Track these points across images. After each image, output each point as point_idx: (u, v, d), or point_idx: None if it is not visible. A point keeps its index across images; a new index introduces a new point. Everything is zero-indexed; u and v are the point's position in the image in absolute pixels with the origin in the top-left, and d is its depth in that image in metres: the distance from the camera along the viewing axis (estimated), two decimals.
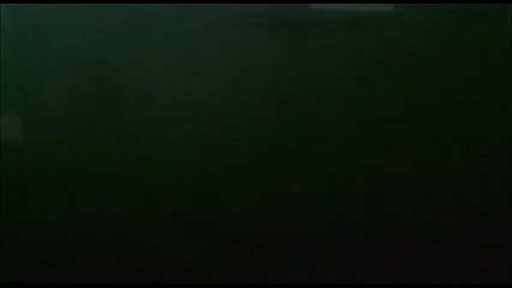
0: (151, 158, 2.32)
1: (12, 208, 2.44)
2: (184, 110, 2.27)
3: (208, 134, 2.26)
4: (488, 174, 2.14)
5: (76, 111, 2.37)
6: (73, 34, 2.31)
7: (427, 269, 2.20)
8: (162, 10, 2.21)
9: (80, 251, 2.40)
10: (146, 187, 2.35)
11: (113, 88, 2.31)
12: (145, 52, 2.26)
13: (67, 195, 2.40)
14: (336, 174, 2.19)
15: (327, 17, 2.10)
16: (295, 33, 2.13)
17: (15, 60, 2.38)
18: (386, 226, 2.22)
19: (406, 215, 2.21)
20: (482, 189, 2.15)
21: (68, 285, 2.32)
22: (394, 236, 2.22)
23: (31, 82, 2.39)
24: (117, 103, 2.32)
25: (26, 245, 2.43)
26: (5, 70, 2.38)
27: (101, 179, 2.38)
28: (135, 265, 2.37)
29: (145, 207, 2.35)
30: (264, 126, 2.22)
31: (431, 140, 2.11)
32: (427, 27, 2.04)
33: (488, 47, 2.02)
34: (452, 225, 2.18)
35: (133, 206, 2.36)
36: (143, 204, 2.35)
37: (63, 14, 2.31)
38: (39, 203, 2.42)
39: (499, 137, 2.06)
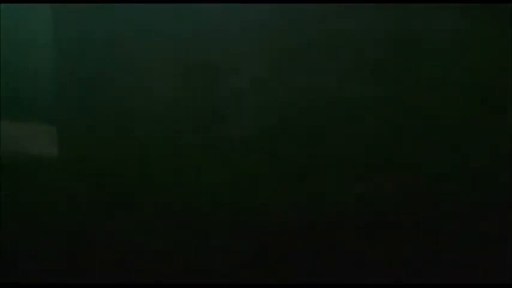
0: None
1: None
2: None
3: None
4: (490, 174, 2.14)
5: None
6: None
7: (427, 269, 2.20)
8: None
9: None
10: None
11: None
12: None
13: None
14: None
15: None
16: None
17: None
18: (386, 226, 2.23)
19: (406, 215, 2.21)
20: (483, 189, 2.15)
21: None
22: (394, 236, 2.22)
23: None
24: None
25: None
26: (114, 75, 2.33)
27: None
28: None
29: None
30: None
31: None
32: None
33: None
34: (453, 225, 2.18)
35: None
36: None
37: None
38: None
39: None
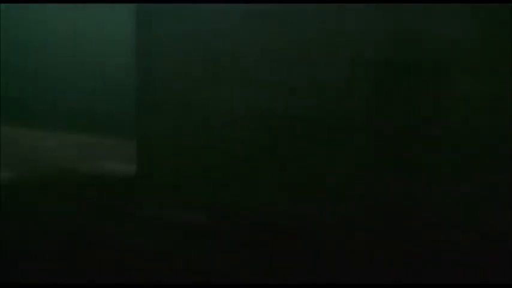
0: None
1: None
2: None
3: None
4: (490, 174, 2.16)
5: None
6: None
7: (427, 269, 2.21)
8: None
9: None
10: None
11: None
12: None
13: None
14: None
15: None
16: None
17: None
18: (387, 227, 2.22)
19: (407, 215, 2.22)
20: (483, 189, 2.16)
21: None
22: (395, 237, 2.22)
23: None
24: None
25: None
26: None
27: None
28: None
29: None
30: None
31: None
32: None
33: None
34: (453, 225, 2.19)
35: None
36: None
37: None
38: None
39: None
